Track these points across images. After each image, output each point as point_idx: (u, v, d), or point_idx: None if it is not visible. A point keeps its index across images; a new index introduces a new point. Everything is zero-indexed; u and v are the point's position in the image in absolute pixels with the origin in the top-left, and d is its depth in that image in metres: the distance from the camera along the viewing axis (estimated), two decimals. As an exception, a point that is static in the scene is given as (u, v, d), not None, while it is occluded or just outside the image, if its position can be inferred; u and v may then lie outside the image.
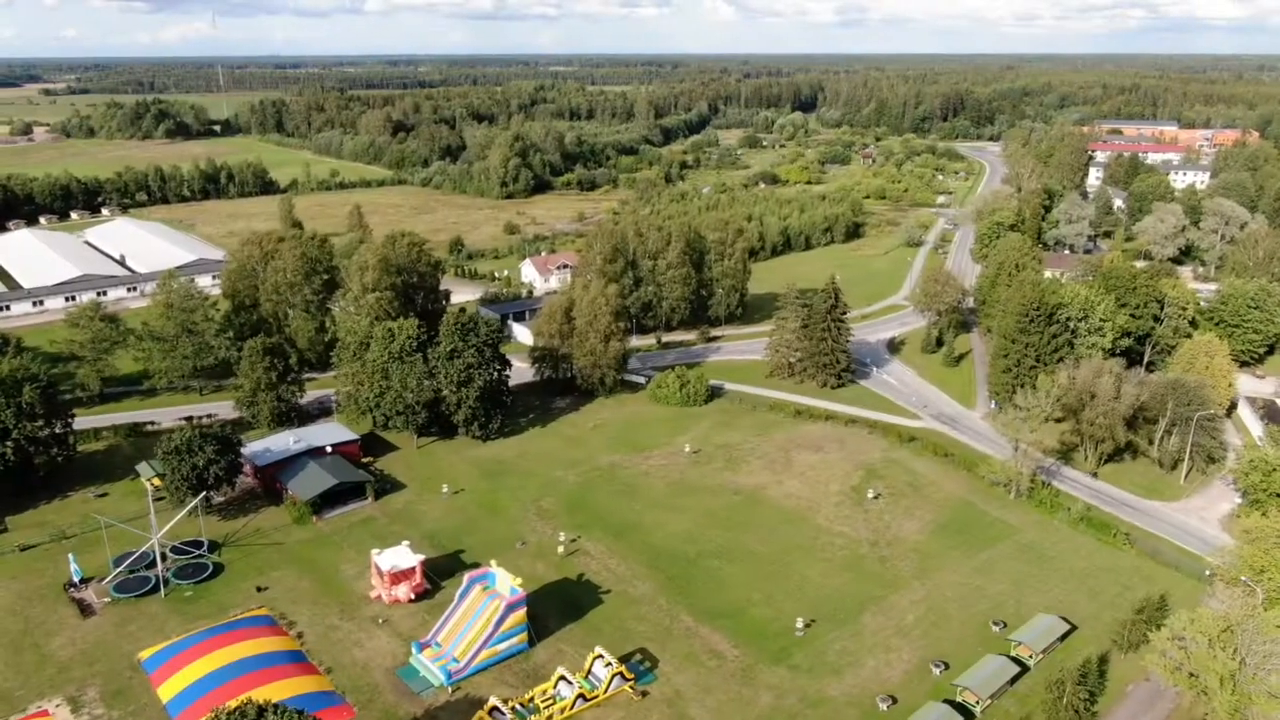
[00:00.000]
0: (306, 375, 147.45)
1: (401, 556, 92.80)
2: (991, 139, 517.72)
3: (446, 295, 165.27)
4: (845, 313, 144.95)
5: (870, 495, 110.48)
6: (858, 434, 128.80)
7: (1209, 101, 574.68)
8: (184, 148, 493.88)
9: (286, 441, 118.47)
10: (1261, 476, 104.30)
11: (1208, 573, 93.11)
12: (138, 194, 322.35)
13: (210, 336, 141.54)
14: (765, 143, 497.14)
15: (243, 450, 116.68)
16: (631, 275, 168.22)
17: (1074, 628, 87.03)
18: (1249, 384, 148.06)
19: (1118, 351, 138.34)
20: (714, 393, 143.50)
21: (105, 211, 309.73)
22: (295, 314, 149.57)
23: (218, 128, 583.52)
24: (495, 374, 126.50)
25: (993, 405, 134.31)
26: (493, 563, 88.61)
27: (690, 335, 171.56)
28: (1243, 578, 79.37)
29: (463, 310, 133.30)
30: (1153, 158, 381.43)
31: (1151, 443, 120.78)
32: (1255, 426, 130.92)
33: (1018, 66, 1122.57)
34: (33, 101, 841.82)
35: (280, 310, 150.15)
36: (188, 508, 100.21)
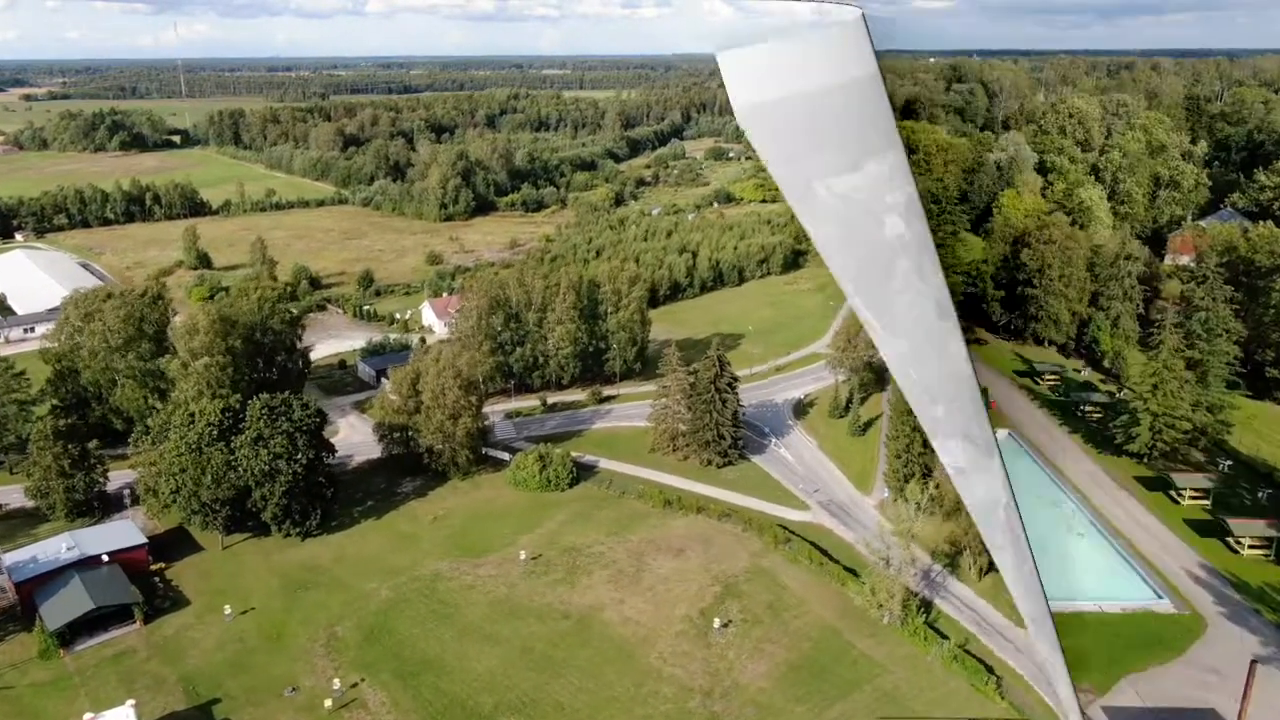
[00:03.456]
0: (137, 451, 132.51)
1: (118, 724, 77.24)
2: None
3: (305, 354, 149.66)
4: (733, 382, 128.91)
5: (718, 624, 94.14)
6: (728, 533, 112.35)
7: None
8: (137, 160, 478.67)
9: (58, 548, 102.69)
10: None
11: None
12: (56, 217, 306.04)
13: (11, 410, 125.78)
14: (732, 154, 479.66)
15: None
16: (514, 331, 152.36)
17: (917, 827, 71.12)
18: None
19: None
20: (583, 472, 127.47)
21: (19, 237, 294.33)
22: (123, 382, 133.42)
23: (177, 139, 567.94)
24: (312, 462, 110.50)
25: (884, 494, 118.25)
26: (202, 747, 72.81)
27: (581, 395, 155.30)
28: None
29: (337, 362, 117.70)
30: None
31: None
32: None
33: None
34: (9, 109, 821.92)
35: (105, 377, 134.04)
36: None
